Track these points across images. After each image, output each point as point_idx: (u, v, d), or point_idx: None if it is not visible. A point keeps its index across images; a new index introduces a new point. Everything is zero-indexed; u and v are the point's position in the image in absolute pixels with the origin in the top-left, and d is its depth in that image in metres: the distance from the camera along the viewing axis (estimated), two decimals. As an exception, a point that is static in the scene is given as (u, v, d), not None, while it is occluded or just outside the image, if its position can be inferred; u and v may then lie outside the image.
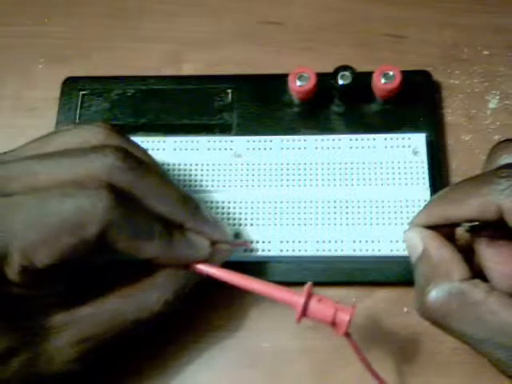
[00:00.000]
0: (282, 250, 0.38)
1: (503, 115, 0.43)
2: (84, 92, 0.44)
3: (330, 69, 0.41)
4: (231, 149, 0.41)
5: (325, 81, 0.40)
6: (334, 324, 0.31)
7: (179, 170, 0.40)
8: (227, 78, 0.44)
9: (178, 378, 0.37)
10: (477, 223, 0.31)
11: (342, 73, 0.40)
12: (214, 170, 0.40)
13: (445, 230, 0.31)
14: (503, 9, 0.46)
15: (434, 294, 0.28)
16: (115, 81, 0.44)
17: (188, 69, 0.46)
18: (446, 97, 0.43)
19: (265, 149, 0.40)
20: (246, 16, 0.47)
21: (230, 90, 0.43)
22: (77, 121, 0.43)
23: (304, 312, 0.31)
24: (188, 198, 0.34)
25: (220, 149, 0.41)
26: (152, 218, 0.31)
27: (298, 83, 0.40)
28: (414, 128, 0.40)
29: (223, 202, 0.39)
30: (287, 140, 0.40)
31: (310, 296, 0.31)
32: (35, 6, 0.49)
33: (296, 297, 0.31)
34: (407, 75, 0.40)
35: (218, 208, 0.39)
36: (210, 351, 0.37)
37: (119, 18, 0.48)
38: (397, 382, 0.36)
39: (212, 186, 0.40)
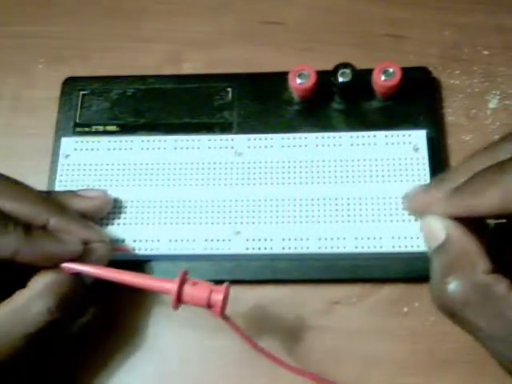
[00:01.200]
0: (284, 248, 0.37)
1: (503, 115, 0.43)
2: (84, 92, 0.44)
3: (330, 68, 0.40)
4: (232, 147, 0.40)
5: (325, 78, 0.40)
6: (210, 306, 0.32)
7: (180, 169, 0.40)
8: (227, 77, 0.44)
9: (178, 377, 0.37)
10: (503, 221, 0.30)
11: (342, 70, 0.40)
12: (215, 168, 0.40)
13: (469, 220, 0.30)
14: (503, 9, 0.46)
15: (456, 284, 0.27)
16: (115, 81, 0.44)
17: (188, 68, 0.46)
18: (446, 97, 0.43)
19: (265, 147, 0.40)
20: (246, 16, 0.47)
21: (230, 89, 0.43)
22: (77, 121, 0.43)
23: (179, 297, 0.32)
24: (50, 200, 0.35)
25: (221, 147, 0.41)
26: (6, 216, 0.31)
27: (299, 81, 0.40)
28: (414, 125, 0.40)
29: (224, 201, 0.39)
30: (288, 138, 0.40)
31: (183, 282, 0.32)
32: (35, 6, 0.49)
33: (170, 284, 0.32)
34: (407, 72, 0.40)
35: (219, 206, 0.39)
36: (209, 351, 0.37)
37: (119, 18, 0.48)
38: (396, 381, 0.36)
39: (213, 184, 0.40)
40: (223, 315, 0.32)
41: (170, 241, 0.38)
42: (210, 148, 0.41)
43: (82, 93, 0.44)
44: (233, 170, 0.40)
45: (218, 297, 0.31)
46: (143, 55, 0.46)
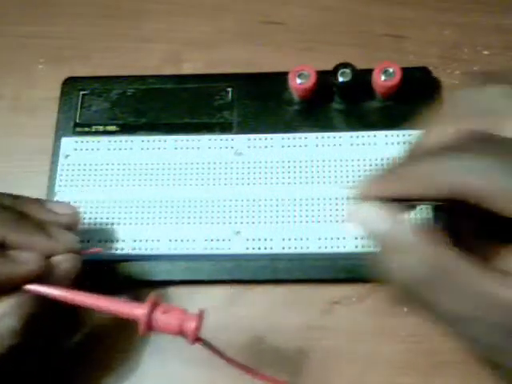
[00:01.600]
0: (284, 248, 0.38)
1: (503, 115, 0.42)
2: (84, 92, 0.44)
3: (330, 68, 0.40)
4: (232, 147, 0.41)
5: (325, 78, 0.40)
6: (183, 333, 0.29)
7: (180, 169, 0.40)
8: (227, 77, 0.44)
9: (178, 377, 0.37)
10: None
11: (342, 70, 0.40)
12: (215, 168, 0.40)
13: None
14: (503, 9, 0.46)
15: (407, 266, 0.25)
16: (115, 81, 0.44)
17: (188, 68, 0.46)
18: (446, 97, 0.43)
19: (265, 147, 0.40)
20: (246, 16, 0.47)
21: (230, 89, 0.43)
22: (77, 121, 0.43)
23: (149, 325, 0.29)
24: (6, 213, 0.32)
25: (221, 147, 0.41)
26: None
27: (299, 81, 0.40)
28: (414, 124, 0.40)
29: (224, 201, 0.39)
30: (288, 138, 0.40)
31: (154, 308, 0.29)
32: (35, 6, 0.49)
33: (139, 310, 0.29)
34: (407, 72, 0.40)
35: (219, 206, 0.39)
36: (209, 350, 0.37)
37: (119, 18, 0.48)
38: (396, 381, 0.36)
39: (213, 184, 0.40)
40: (198, 340, 0.30)
41: (170, 241, 0.38)
42: (209, 148, 0.41)
43: (81, 93, 0.44)
44: (233, 170, 0.40)
45: (190, 325, 0.29)
46: (143, 55, 0.46)
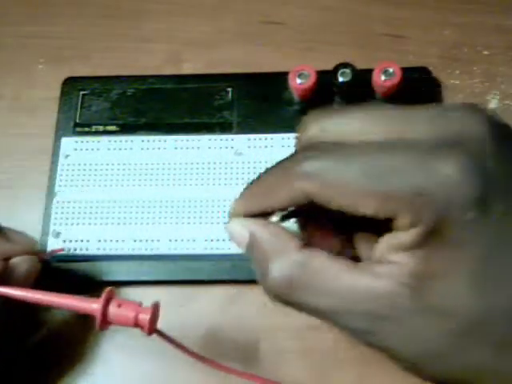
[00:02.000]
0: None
1: (503, 115, 0.41)
2: (84, 92, 0.44)
3: (330, 68, 0.40)
4: (232, 147, 0.41)
5: (325, 78, 0.40)
6: (138, 326, 0.31)
7: (180, 169, 0.40)
8: (227, 77, 0.44)
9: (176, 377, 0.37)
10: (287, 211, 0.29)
11: (342, 70, 0.40)
12: (215, 168, 0.40)
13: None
14: (503, 9, 0.46)
15: (274, 271, 0.26)
16: (115, 81, 0.44)
17: (188, 68, 0.46)
18: (446, 97, 0.43)
19: (265, 147, 0.40)
20: (246, 16, 0.47)
21: (230, 89, 0.43)
22: (77, 121, 0.43)
23: (105, 319, 0.30)
24: None
25: (221, 147, 0.41)
26: None
27: (299, 81, 0.40)
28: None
29: (224, 201, 0.39)
30: (288, 138, 0.40)
31: (108, 302, 0.30)
32: (35, 6, 0.49)
33: (94, 305, 0.30)
34: (407, 72, 0.40)
35: (219, 206, 0.39)
36: (208, 350, 0.37)
37: (119, 18, 0.48)
38: (396, 381, 0.36)
39: (213, 184, 0.40)
40: (155, 331, 0.31)
41: (170, 240, 0.38)
42: (209, 148, 0.41)
43: (81, 93, 0.44)
44: (233, 170, 0.40)
45: (145, 317, 0.30)
46: (143, 55, 0.46)
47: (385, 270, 0.24)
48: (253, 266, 0.28)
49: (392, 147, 0.24)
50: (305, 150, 0.26)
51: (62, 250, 0.38)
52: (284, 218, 0.30)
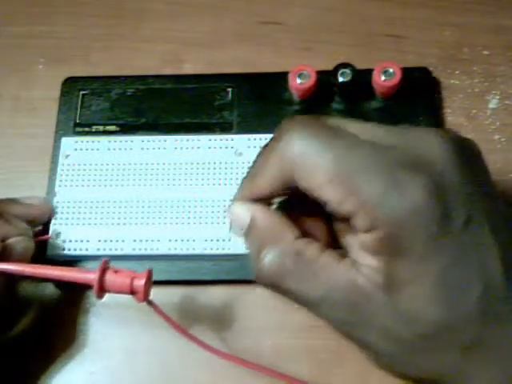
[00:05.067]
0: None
1: (503, 115, 0.43)
2: (84, 92, 0.44)
3: (330, 68, 0.41)
4: (232, 147, 0.41)
5: (325, 78, 0.40)
6: (133, 293, 0.32)
7: (180, 169, 0.40)
8: (227, 77, 0.44)
9: (178, 376, 0.37)
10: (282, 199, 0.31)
11: (342, 70, 0.40)
12: (215, 168, 0.40)
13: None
14: (503, 9, 0.46)
15: (269, 257, 0.27)
16: (115, 81, 0.44)
17: (188, 68, 0.46)
18: (446, 97, 0.43)
19: (265, 147, 0.40)
20: (246, 16, 0.47)
21: (230, 89, 0.43)
22: (77, 121, 0.43)
23: (102, 287, 0.32)
24: None
25: (221, 147, 0.41)
26: None
27: (299, 81, 0.40)
28: (414, 124, 0.40)
29: (224, 201, 0.39)
30: (288, 138, 0.40)
31: (104, 271, 0.32)
32: (35, 6, 0.49)
33: (91, 274, 0.32)
34: (407, 72, 0.40)
35: (219, 206, 0.39)
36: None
37: (119, 18, 0.48)
38: (397, 381, 0.36)
39: (213, 184, 0.40)
40: (147, 300, 0.32)
41: (170, 240, 0.38)
42: (209, 148, 0.41)
43: (81, 93, 0.44)
44: (233, 170, 0.40)
45: (139, 282, 0.32)
46: (143, 55, 0.46)
47: (363, 268, 0.25)
48: (249, 249, 0.29)
49: (371, 147, 0.26)
50: (290, 129, 0.27)
51: (48, 237, 0.39)
52: (280, 207, 0.30)
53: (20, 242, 0.36)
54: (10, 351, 0.38)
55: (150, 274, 0.32)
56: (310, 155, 0.26)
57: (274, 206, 0.30)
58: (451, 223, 0.24)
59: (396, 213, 0.24)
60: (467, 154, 0.26)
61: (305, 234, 0.28)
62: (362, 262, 0.26)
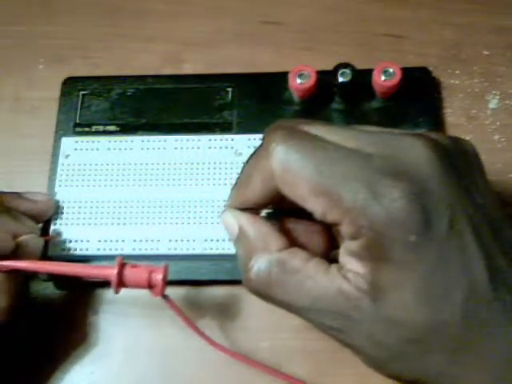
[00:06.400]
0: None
1: (503, 115, 0.43)
2: (84, 92, 0.44)
3: (330, 68, 0.41)
4: (232, 147, 0.41)
5: (325, 78, 0.40)
6: (151, 287, 0.32)
7: (180, 169, 0.40)
8: (227, 77, 0.43)
9: (176, 376, 0.37)
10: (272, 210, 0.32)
11: (342, 70, 0.40)
12: (215, 168, 0.40)
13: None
14: (503, 9, 0.46)
15: (256, 267, 0.28)
16: (115, 81, 0.44)
17: (188, 68, 0.46)
18: (446, 97, 0.43)
19: (265, 147, 0.40)
20: (245, 16, 0.47)
21: (230, 89, 0.43)
22: (77, 121, 0.43)
23: (120, 281, 0.32)
24: None
25: (221, 147, 0.41)
26: None
27: (299, 81, 0.40)
28: (414, 125, 0.40)
29: (224, 201, 0.39)
30: (288, 138, 0.40)
31: (122, 266, 0.33)
32: (35, 6, 0.49)
33: (109, 269, 0.33)
34: (407, 72, 0.40)
35: (219, 206, 0.39)
36: (208, 349, 0.37)
37: (120, 17, 0.48)
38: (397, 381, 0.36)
39: (213, 184, 0.40)
40: (163, 295, 0.33)
41: (170, 241, 0.38)
42: (210, 148, 0.41)
43: (81, 93, 0.44)
44: (233, 170, 0.40)
45: (157, 277, 0.32)
46: (143, 55, 0.46)
47: (349, 275, 0.26)
48: (238, 257, 0.30)
49: (353, 156, 0.26)
50: (272, 141, 0.27)
51: (50, 238, 0.39)
52: (270, 216, 0.31)
53: (32, 239, 0.36)
54: (10, 351, 0.38)
55: (166, 268, 0.33)
56: (291, 168, 0.26)
57: (263, 214, 0.31)
58: (433, 229, 0.25)
59: (378, 220, 0.24)
60: (453, 159, 0.27)
61: (300, 240, 0.29)
62: (349, 268, 0.26)
